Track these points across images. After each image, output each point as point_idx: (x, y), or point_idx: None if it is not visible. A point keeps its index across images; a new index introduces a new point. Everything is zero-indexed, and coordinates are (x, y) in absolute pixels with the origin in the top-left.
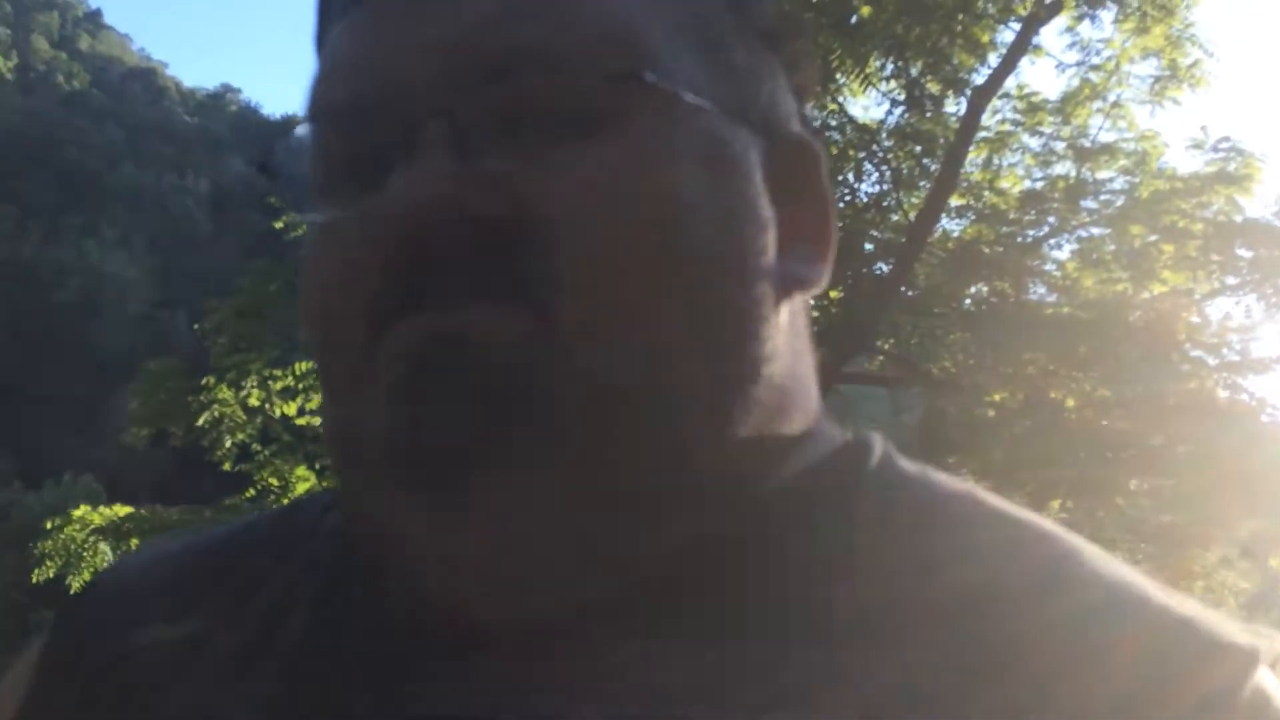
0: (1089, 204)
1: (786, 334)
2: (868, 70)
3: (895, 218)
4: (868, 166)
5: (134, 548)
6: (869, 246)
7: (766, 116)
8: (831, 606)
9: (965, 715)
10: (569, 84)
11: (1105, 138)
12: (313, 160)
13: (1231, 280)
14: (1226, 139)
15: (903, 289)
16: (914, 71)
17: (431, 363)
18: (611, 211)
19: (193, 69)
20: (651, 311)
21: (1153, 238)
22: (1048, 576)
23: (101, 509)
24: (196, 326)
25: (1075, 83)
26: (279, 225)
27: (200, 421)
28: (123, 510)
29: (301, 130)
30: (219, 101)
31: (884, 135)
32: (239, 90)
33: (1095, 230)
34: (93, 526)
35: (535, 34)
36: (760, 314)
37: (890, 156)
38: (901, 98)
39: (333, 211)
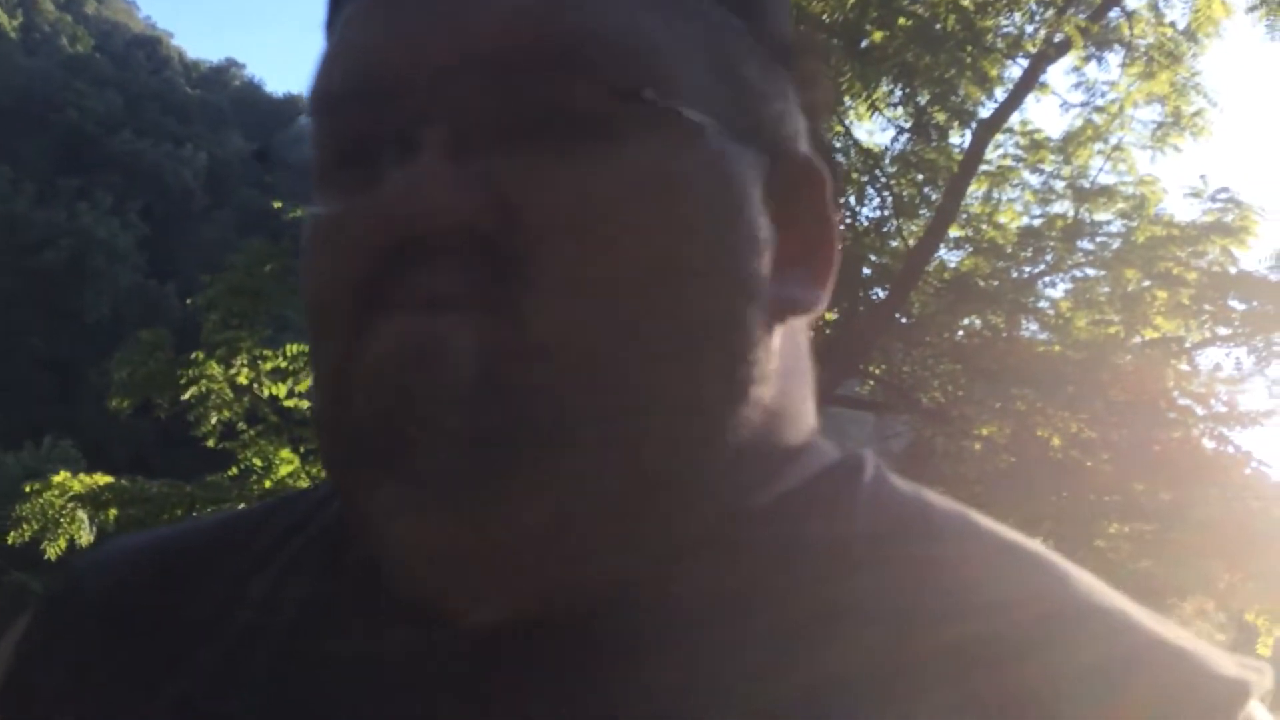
0: (1085, 245)
1: (781, 356)
2: (875, 95)
3: (894, 244)
4: (870, 191)
5: (111, 518)
6: (866, 271)
7: (773, 135)
8: (829, 647)
9: None
10: (572, 95)
11: (1105, 180)
12: (314, 147)
13: (1223, 331)
14: (1225, 190)
15: (897, 316)
16: (921, 100)
17: (405, 369)
18: (600, 228)
19: (197, 41)
20: (630, 330)
21: (1146, 283)
22: (1051, 617)
23: (81, 476)
24: (190, 301)
25: (1078, 123)
26: (277, 204)
27: (186, 396)
28: (103, 479)
29: (305, 117)
30: (222, 75)
31: (888, 161)
32: (243, 65)
33: (1090, 271)
34: (72, 493)
35: (545, 42)
36: (748, 337)
37: (893, 183)
38: (907, 125)
39: (329, 202)
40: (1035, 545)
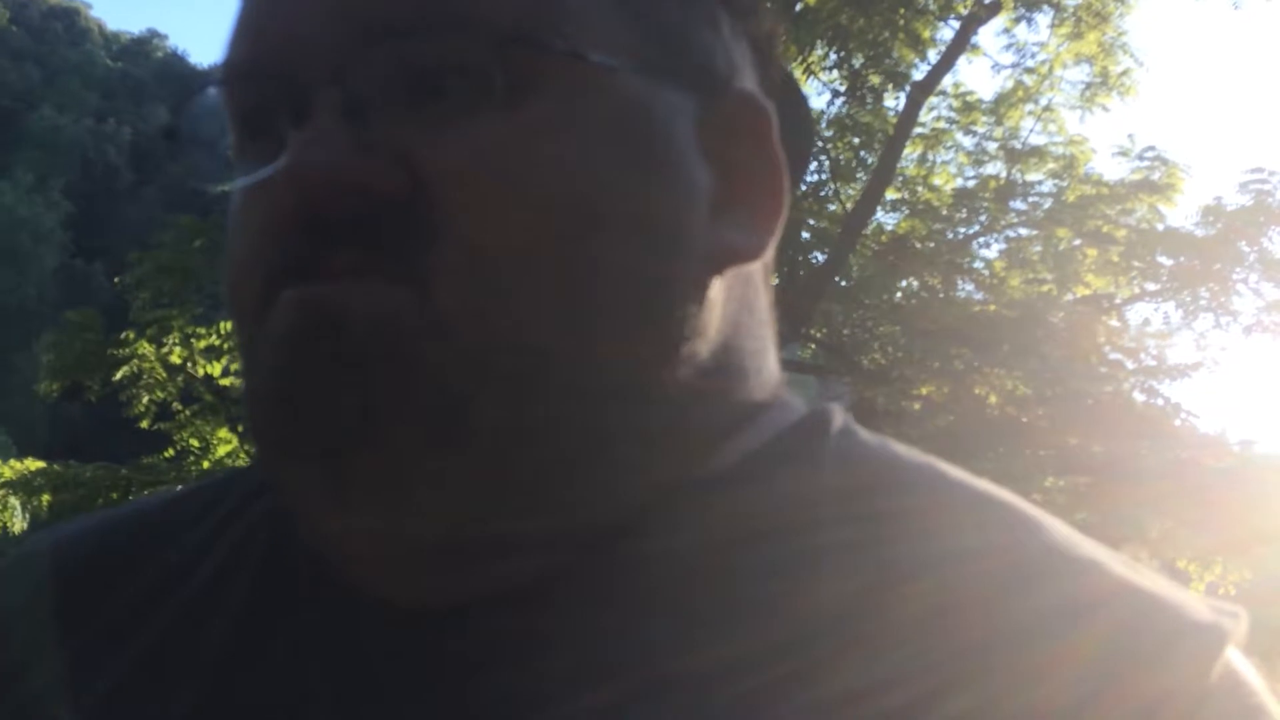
0: (1018, 205)
1: (726, 307)
2: (810, 59)
3: (832, 208)
4: None
5: (45, 504)
6: (805, 235)
7: (702, 72)
8: (788, 602)
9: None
10: (463, 50)
11: (1036, 140)
12: (228, 120)
13: (1151, 287)
14: (1152, 148)
15: (836, 279)
16: (856, 63)
17: (303, 340)
18: (503, 189)
19: (116, 12)
20: (541, 293)
21: (1077, 241)
22: (1021, 565)
23: (12, 462)
24: (118, 280)
25: (1009, 84)
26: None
27: (118, 376)
28: (35, 465)
29: (213, 90)
30: (144, 47)
31: (824, 125)
32: (165, 36)
33: (1023, 231)
34: (2, 480)
35: None
36: (677, 291)
37: (830, 147)
38: (843, 88)
39: (240, 176)
40: (1006, 494)
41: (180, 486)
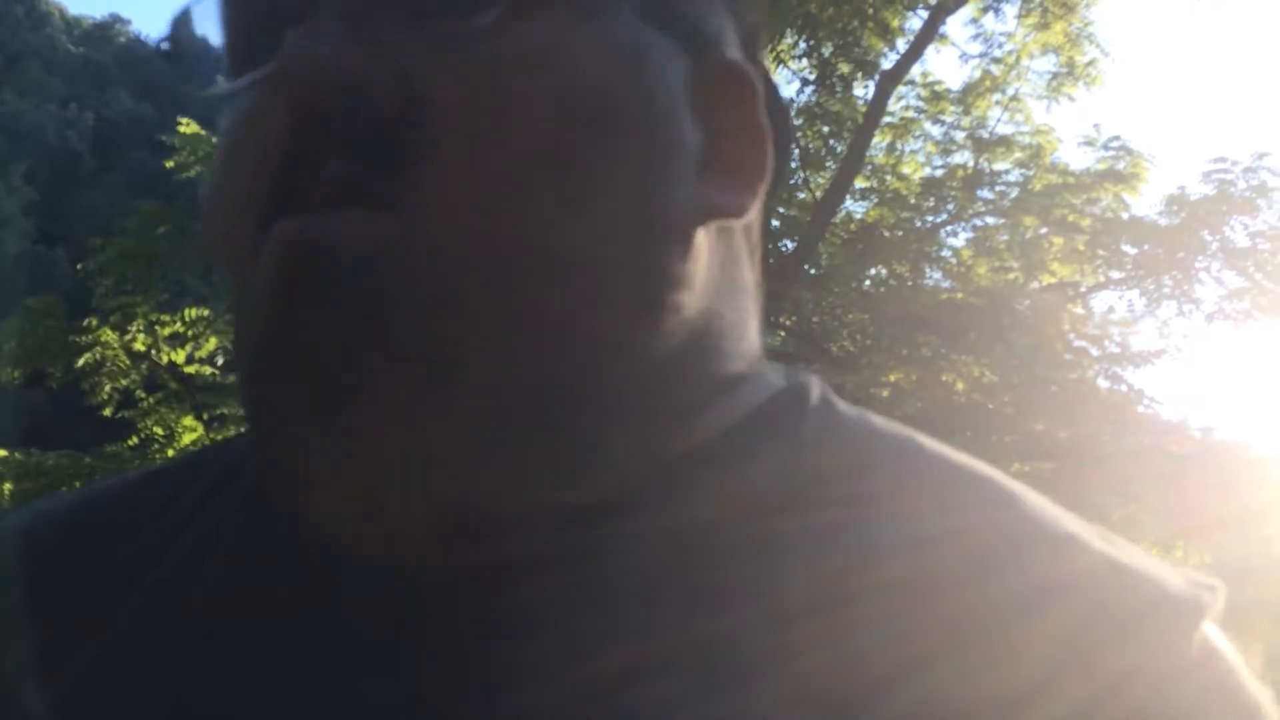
0: (985, 194)
1: (708, 264)
2: (780, 48)
3: (802, 196)
4: None
5: (7, 492)
6: (775, 223)
7: (695, 31)
8: (768, 582)
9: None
10: None
11: (1003, 130)
12: (224, 37)
13: (1116, 275)
14: (1117, 138)
15: (806, 267)
16: (825, 52)
17: (293, 275)
18: (501, 110)
19: None
20: (533, 222)
21: (1043, 230)
22: (997, 543)
23: None
24: (80, 267)
25: (977, 74)
26: (170, 165)
27: (80, 363)
28: None
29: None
30: (106, 32)
31: (794, 113)
32: (128, 21)
33: (990, 220)
34: None
35: None
36: (662, 233)
37: (800, 135)
38: (812, 77)
39: (233, 87)
40: (983, 468)
41: (151, 466)
